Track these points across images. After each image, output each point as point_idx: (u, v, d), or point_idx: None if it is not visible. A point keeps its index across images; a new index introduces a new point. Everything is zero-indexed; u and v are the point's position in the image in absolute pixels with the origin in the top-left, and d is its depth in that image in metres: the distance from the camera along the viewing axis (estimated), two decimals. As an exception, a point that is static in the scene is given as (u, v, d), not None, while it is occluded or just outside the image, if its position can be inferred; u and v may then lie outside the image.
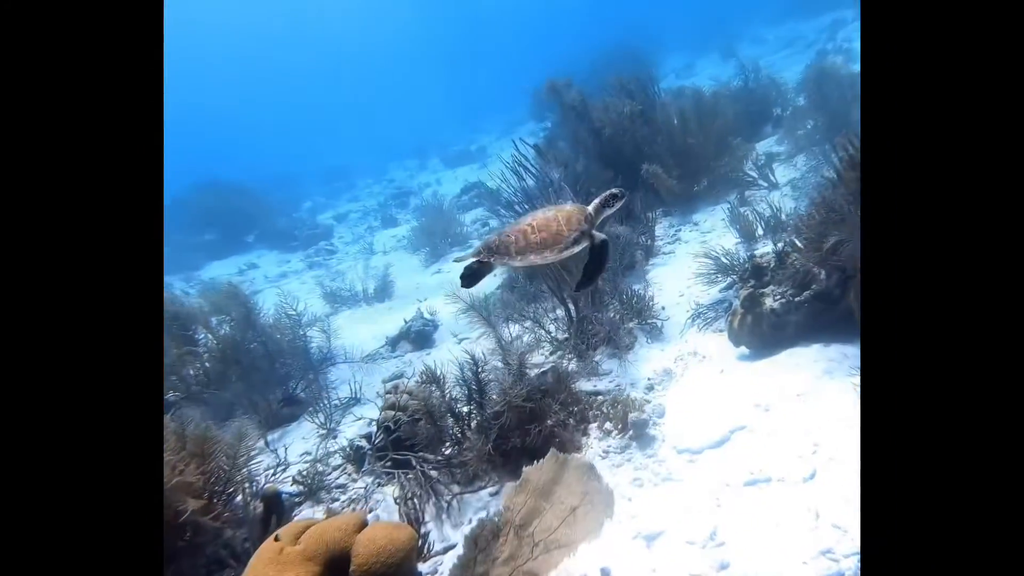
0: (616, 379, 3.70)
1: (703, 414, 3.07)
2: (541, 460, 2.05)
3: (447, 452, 2.78)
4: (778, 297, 3.54)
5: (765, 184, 6.20)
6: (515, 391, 2.76)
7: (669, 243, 5.89)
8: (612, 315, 4.27)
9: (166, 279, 12.01)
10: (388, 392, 3.16)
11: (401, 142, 22.34)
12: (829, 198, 3.22)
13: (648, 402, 3.36)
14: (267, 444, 3.69)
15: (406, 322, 5.08)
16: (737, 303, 3.61)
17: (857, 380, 2.84)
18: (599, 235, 2.40)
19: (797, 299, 3.48)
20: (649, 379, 3.63)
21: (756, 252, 3.92)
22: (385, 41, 44.11)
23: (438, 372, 2.99)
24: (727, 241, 5.24)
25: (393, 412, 2.96)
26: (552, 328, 4.17)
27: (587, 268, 2.35)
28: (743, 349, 3.56)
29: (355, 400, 4.05)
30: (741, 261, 4.17)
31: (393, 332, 5.06)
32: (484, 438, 2.69)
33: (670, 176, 6.39)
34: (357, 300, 6.79)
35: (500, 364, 3.26)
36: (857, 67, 8.16)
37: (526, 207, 6.22)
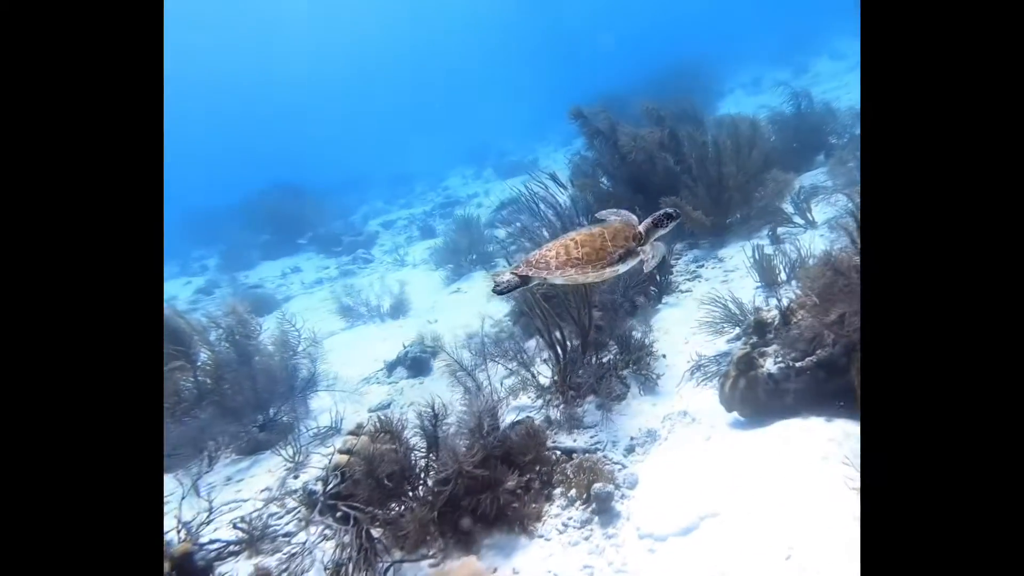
0: (597, 435, 3.45)
1: (677, 490, 2.78)
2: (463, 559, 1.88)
3: (395, 510, 2.65)
4: (778, 360, 3.18)
5: (801, 222, 5.70)
6: (468, 456, 2.59)
7: (688, 279, 5.52)
8: (607, 360, 4.02)
9: (216, 277, 12.72)
10: (352, 432, 3.08)
11: (465, 147, 22.64)
12: (838, 259, 2.85)
13: (623, 467, 3.10)
14: (196, 489, 3.39)
15: (404, 347, 5.03)
16: (730, 363, 3.27)
17: (853, 475, 2.47)
18: (650, 251, 2.41)
19: (799, 364, 3.11)
20: (632, 439, 3.36)
21: (761, 305, 3.55)
22: (461, 42, 45.01)
23: (396, 419, 2.88)
24: (747, 284, 4.84)
25: (347, 457, 2.87)
26: (543, 370, 3.96)
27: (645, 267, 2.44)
28: (735, 415, 3.22)
29: (335, 430, 4.01)
30: (749, 312, 3.81)
31: (392, 356, 5.01)
32: (429, 506, 2.54)
33: (698, 207, 6.01)
34: (372, 316, 6.83)
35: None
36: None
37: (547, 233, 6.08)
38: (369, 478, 2.50)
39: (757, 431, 3.07)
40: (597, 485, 2.74)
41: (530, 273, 2.33)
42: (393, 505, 2.61)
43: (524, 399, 3.86)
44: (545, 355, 4.20)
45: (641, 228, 2.37)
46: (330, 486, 2.76)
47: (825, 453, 2.73)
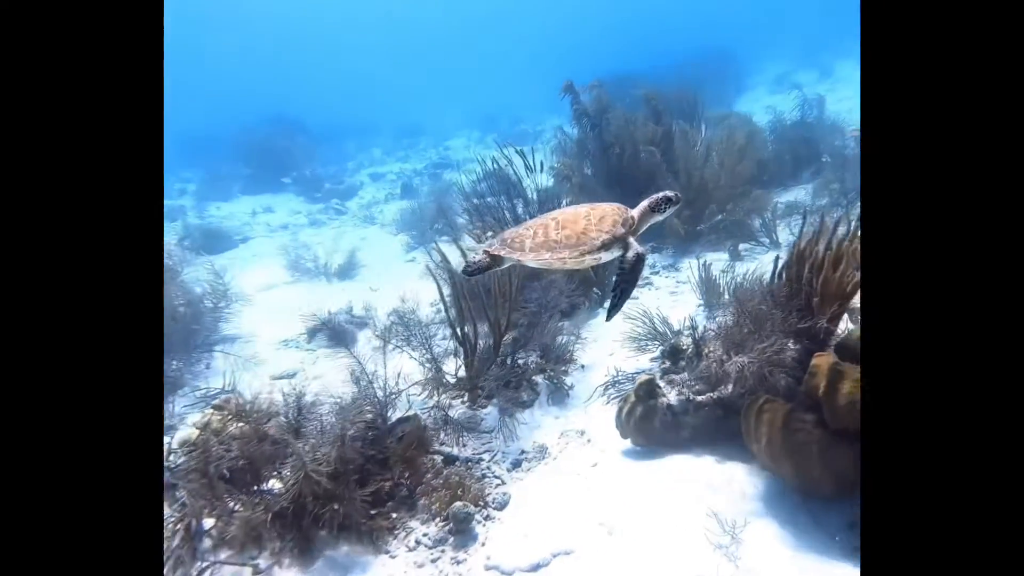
0: (490, 443, 3.26)
1: (542, 520, 2.61)
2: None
3: (231, 504, 2.45)
4: (681, 392, 2.97)
5: (767, 241, 5.41)
6: (315, 464, 2.37)
7: (639, 286, 5.26)
8: (523, 362, 3.80)
9: (188, 203, 12.33)
10: (216, 405, 2.86)
11: (482, 110, 21.85)
12: (754, 305, 2.60)
13: (502, 484, 2.92)
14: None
15: (329, 313, 4.79)
16: (632, 388, 3.06)
17: (714, 528, 2.29)
18: (636, 247, 2.08)
19: (699, 399, 2.91)
20: (523, 452, 3.18)
21: (692, 326, 3.31)
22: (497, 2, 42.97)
23: (258, 400, 2.66)
24: (692, 300, 4.60)
25: (201, 432, 2.66)
26: (453, 365, 3.73)
27: (615, 286, 2.06)
28: (629, 443, 3.03)
29: (229, 393, 3.79)
30: (672, 333, 3.58)
31: (311, 322, 4.78)
32: (264, 507, 2.34)
33: (676, 212, 5.70)
34: (318, 274, 6.55)
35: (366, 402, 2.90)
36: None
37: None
38: (203, 469, 2.29)
39: (646, 463, 2.89)
40: (457, 504, 2.56)
41: (503, 253, 2.11)
42: (230, 499, 2.41)
43: (429, 394, 3.64)
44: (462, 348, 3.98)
45: (635, 213, 2.11)
46: (170, 461, 2.55)
47: (702, 495, 2.55)
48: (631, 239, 2.06)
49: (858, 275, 2.45)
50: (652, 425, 2.93)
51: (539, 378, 3.74)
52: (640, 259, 2.08)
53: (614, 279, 2.04)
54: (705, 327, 3.23)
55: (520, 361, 3.79)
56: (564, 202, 5.81)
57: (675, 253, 5.87)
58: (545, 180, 6.45)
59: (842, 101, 12.70)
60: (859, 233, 2.57)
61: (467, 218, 6.90)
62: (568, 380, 3.73)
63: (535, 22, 41.11)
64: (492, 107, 21.69)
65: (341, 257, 6.62)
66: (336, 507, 2.41)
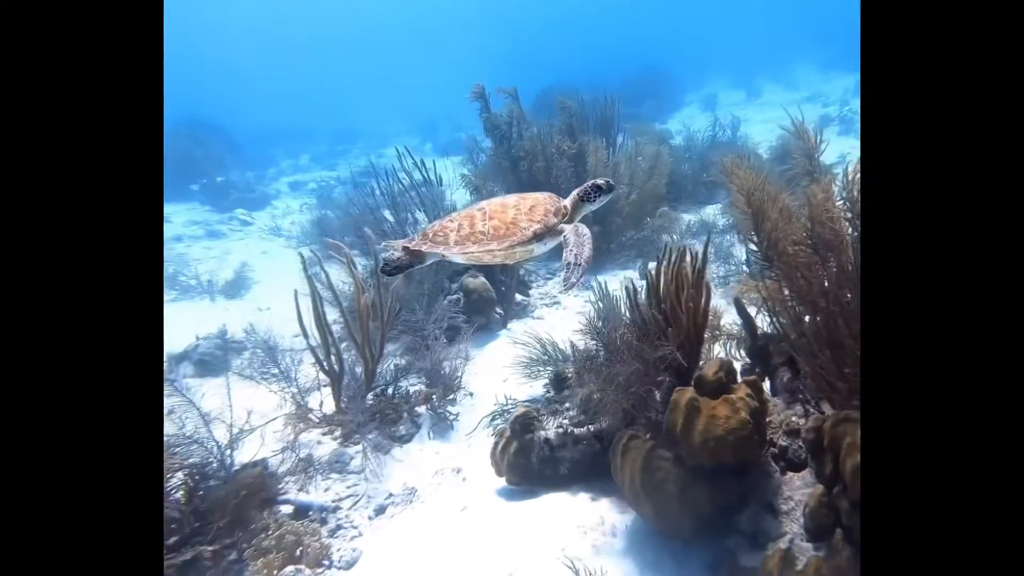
0: (356, 485, 2.99)
1: (393, 577, 2.36)
2: None
3: None
4: (561, 425, 2.84)
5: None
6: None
7: (547, 304, 5.18)
8: (408, 391, 3.56)
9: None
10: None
11: (424, 116, 21.33)
12: (619, 335, 2.51)
13: (358, 535, 2.66)
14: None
15: (197, 339, 4.34)
16: (507, 423, 2.89)
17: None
18: (578, 226, 1.98)
19: (577, 431, 2.79)
20: (390, 495, 2.93)
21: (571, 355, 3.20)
22: (443, 10, 42.61)
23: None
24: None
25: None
26: (326, 395, 3.43)
27: (564, 258, 1.91)
28: (504, 481, 2.85)
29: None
30: (562, 359, 3.46)
31: (179, 348, 4.32)
32: None
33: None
34: (200, 291, 6.01)
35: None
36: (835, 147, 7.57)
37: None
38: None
39: (520, 504, 2.72)
40: (288, 569, 2.27)
41: (424, 248, 1.96)
42: None
43: (292, 431, 3.32)
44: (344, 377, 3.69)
45: (567, 202, 2.05)
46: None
47: (569, 541, 2.40)
48: (565, 227, 1.97)
49: (703, 303, 2.41)
50: (529, 461, 2.76)
51: (423, 408, 3.51)
52: (580, 229, 1.98)
53: (563, 255, 1.92)
54: (592, 352, 3.13)
55: (403, 390, 3.56)
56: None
57: (589, 270, 5.84)
58: (463, 194, 6.31)
59: (755, 125, 13.49)
60: (703, 262, 2.55)
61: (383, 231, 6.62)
62: (454, 410, 3.53)
63: (485, 28, 41.40)
64: (434, 113, 21.38)
65: (230, 272, 6.11)
66: None
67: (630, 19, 37.89)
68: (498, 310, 4.71)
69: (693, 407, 2.20)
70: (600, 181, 2.13)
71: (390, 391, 3.48)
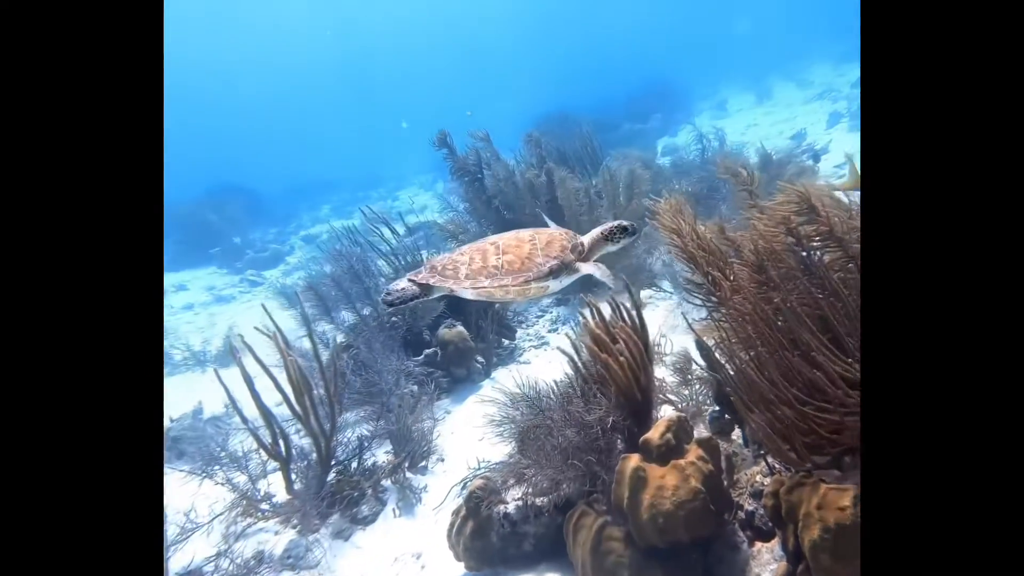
0: (309, 583, 2.82)
1: None
2: None
3: None
4: (519, 496, 2.62)
5: (669, 287, 5.21)
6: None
7: (535, 347, 4.98)
8: (371, 463, 3.41)
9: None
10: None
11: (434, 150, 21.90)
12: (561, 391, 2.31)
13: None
14: None
15: (171, 420, 4.33)
16: (463, 496, 2.69)
17: None
18: (599, 265, 1.99)
19: (539, 502, 2.56)
20: (345, 590, 2.74)
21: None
22: (450, 40, 43.97)
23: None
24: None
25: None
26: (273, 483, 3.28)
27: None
28: (463, 567, 2.63)
29: None
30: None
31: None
32: None
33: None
34: (192, 363, 6.07)
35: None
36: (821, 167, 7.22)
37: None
38: None
39: (480, 592, 2.49)
40: None
41: (432, 282, 1.90)
42: None
43: (242, 524, 3.18)
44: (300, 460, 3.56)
45: (585, 240, 2.01)
46: None
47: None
48: (580, 265, 1.94)
49: (638, 355, 2.19)
50: (488, 541, 2.55)
51: (388, 481, 3.35)
52: (602, 268, 1.98)
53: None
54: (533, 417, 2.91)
55: (368, 462, 3.40)
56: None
57: (580, 303, 5.63)
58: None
59: (775, 124, 13.09)
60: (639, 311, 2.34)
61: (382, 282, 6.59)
62: (422, 481, 3.35)
63: (486, 54, 42.30)
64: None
65: (220, 340, 6.17)
66: None
67: (637, 31, 38.08)
68: (479, 359, 4.54)
69: (638, 478, 1.97)
70: (625, 223, 2.08)
71: (353, 465, 3.34)
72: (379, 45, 43.35)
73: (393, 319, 4.42)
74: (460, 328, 4.38)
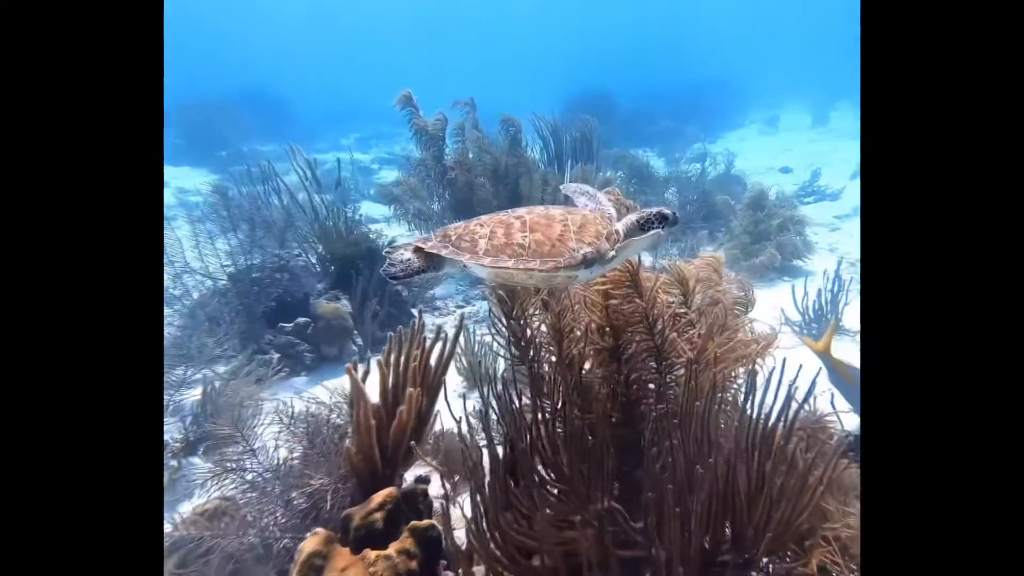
0: None
1: None
2: None
3: None
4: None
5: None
6: None
7: (430, 336, 4.58)
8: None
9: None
10: None
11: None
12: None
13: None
14: None
15: None
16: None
17: None
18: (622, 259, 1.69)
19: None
20: None
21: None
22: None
23: None
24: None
25: None
26: None
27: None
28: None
29: None
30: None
31: None
32: None
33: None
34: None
35: None
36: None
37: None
38: None
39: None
40: None
41: (443, 252, 1.55)
42: None
43: None
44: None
45: (620, 227, 1.70)
46: None
47: None
48: (613, 255, 1.61)
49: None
50: None
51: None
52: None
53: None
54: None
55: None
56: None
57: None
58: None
59: (810, 154, 12.29)
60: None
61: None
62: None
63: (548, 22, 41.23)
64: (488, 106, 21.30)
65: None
66: None
67: (711, 27, 36.35)
68: (358, 340, 4.17)
69: (313, 566, 1.58)
70: (667, 211, 1.71)
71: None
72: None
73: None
74: (339, 304, 4.00)
